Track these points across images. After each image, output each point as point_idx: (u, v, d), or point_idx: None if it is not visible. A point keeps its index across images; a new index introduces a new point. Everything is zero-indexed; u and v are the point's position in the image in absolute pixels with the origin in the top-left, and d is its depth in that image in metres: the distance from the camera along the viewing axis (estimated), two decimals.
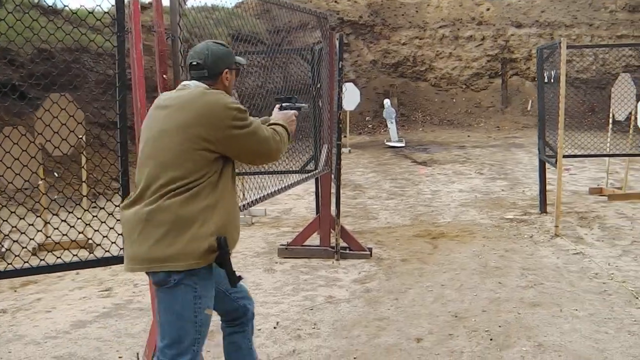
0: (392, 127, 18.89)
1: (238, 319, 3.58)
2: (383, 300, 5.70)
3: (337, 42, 6.86)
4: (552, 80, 8.46)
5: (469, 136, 20.46)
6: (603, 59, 22.00)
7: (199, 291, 3.07)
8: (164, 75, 3.85)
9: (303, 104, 3.87)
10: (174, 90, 3.33)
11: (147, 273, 3.12)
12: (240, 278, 3.18)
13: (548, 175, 9.15)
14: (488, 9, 24.86)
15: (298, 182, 6.29)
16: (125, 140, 3.87)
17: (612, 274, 6.22)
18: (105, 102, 14.25)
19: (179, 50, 3.93)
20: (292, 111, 3.68)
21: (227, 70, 3.32)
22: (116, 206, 3.47)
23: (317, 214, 7.62)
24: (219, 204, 3.07)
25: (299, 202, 10.61)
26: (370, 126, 22.04)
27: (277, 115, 3.65)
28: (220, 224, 3.05)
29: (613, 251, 7.05)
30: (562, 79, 7.62)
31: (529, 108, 22.59)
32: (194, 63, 3.26)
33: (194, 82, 3.24)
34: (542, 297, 5.62)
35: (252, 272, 6.70)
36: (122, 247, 3.35)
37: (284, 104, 3.72)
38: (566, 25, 23.34)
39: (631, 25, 22.72)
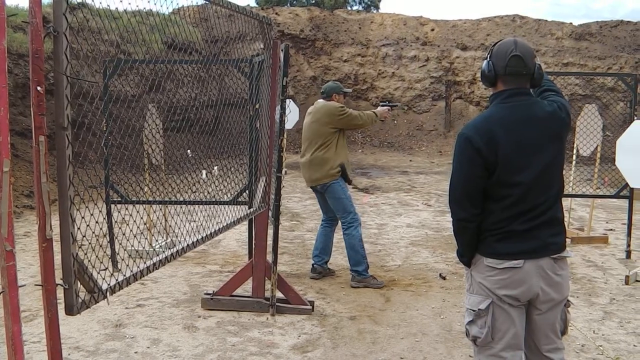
0: None
1: None
2: None
3: (281, 54, 5.70)
4: None
5: (410, 160, 19.58)
6: None
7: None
8: (38, 87, 2.62)
9: (396, 103, 7.79)
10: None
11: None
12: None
13: None
14: (433, 30, 24.16)
15: (234, 223, 5.10)
16: None
17: (600, 346, 5.21)
18: (24, 108, 12.99)
19: (64, 51, 2.70)
20: (385, 108, 7.25)
21: (335, 94, 7.09)
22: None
23: (249, 258, 6.40)
24: None
25: (229, 232, 9.31)
26: None
27: (378, 108, 7.27)
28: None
29: (593, 313, 6.06)
30: None
31: None
32: (322, 91, 7.27)
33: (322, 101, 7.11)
34: None
35: (169, 330, 5.45)
36: None
37: (381, 103, 7.52)
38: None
39: (577, 53, 22.27)
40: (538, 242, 3.13)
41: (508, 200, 3.13)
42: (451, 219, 3.36)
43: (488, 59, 3.24)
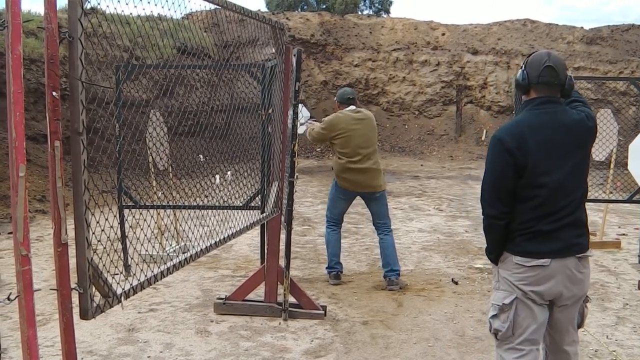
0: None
1: None
2: None
3: (294, 59, 5.70)
4: None
5: (422, 165, 19.53)
6: None
7: None
8: (54, 93, 2.63)
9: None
10: (354, 110, 7.11)
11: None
12: None
13: None
14: (444, 34, 24.14)
15: (247, 228, 5.11)
16: None
17: (614, 351, 5.18)
18: (36, 113, 13.07)
19: (79, 56, 2.72)
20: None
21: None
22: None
23: (262, 263, 6.41)
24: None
25: (240, 236, 9.34)
26: (318, 149, 20.96)
27: None
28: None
29: (606, 318, 6.03)
30: None
31: (483, 138, 21.83)
32: (352, 97, 7.13)
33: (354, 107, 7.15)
34: None
35: (182, 334, 5.47)
36: None
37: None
38: (523, 55, 22.66)
39: (588, 57, 22.20)
40: (564, 242, 3.38)
41: (534, 201, 3.38)
42: (482, 217, 3.58)
43: (523, 69, 3.49)
